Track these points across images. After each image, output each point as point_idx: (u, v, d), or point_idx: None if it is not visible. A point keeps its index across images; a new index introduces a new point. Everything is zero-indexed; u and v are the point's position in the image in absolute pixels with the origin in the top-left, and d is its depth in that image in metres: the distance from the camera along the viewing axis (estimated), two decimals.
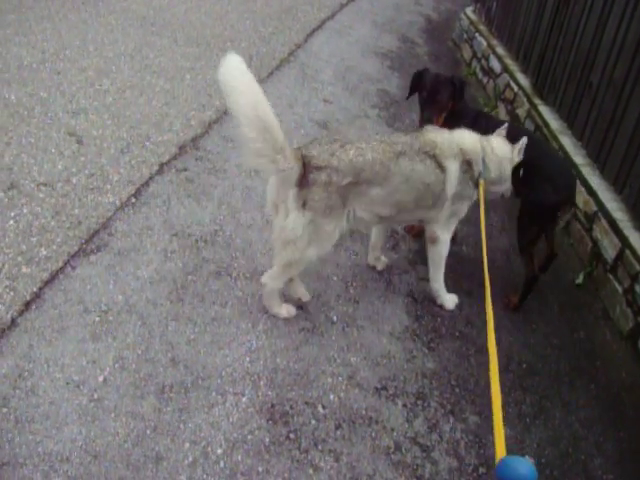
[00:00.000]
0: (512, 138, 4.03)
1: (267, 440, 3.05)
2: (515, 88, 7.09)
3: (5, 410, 2.91)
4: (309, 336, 3.69)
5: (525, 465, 1.75)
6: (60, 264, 3.75)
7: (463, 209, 3.91)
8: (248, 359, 3.43)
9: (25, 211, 4.09)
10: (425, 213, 3.81)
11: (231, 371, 3.34)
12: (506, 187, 4.04)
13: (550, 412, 3.62)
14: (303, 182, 3.31)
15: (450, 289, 4.26)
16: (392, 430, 3.26)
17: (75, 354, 3.23)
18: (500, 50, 8.01)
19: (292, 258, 3.46)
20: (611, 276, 4.52)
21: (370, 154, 3.42)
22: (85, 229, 4.05)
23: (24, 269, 3.65)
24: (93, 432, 2.89)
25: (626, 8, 5.00)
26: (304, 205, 3.31)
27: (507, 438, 3.35)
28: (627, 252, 4.37)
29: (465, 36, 9.46)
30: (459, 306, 4.20)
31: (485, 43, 8.48)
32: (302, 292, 3.90)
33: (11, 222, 3.97)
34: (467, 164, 3.74)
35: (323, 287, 4.07)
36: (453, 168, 3.68)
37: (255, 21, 8.66)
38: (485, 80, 8.23)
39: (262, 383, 3.32)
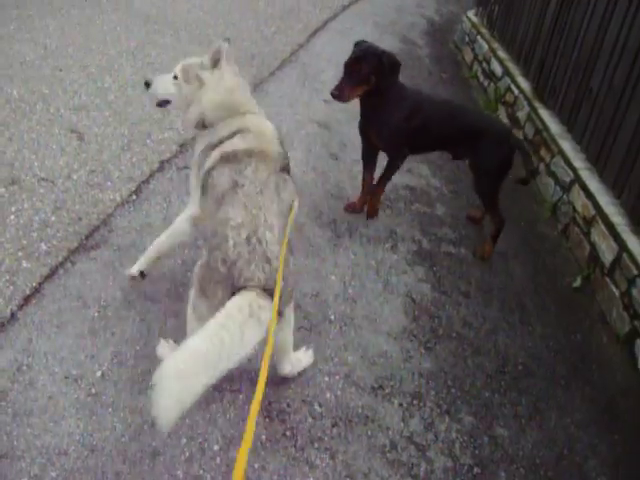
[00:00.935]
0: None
1: (263, 437, 3.07)
2: (516, 91, 7.11)
3: (3, 403, 2.93)
4: (307, 335, 3.70)
5: None
6: (60, 259, 3.77)
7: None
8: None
9: (26, 206, 4.10)
10: None
11: None
12: None
13: (545, 414, 3.64)
14: None
15: (448, 291, 4.28)
16: (388, 429, 3.28)
17: (74, 348, 3.25)
18: (501, 53, 8.02)
19: None
20: (608, 280, 4.54)
21: None
22: (85, 225, 4.07)
23: (24, 264, 3.66)
24: (91, 426, 2.91)
25: (627, 14, 5.02)
26: None
27: (502, 439, 3.39)
28: (624, 256, 4.39)
29: (467, 39, 9.48)
30: (456, 307, 4.23)
31: (486, 46, 8.50)
32: None
33: (12, 217, 3.99)
34: None
35: (321, 286, 4.08)
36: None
37: (258, 20, 8.68)
38: (486, 83, 8.25)
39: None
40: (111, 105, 5.55)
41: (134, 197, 4.42)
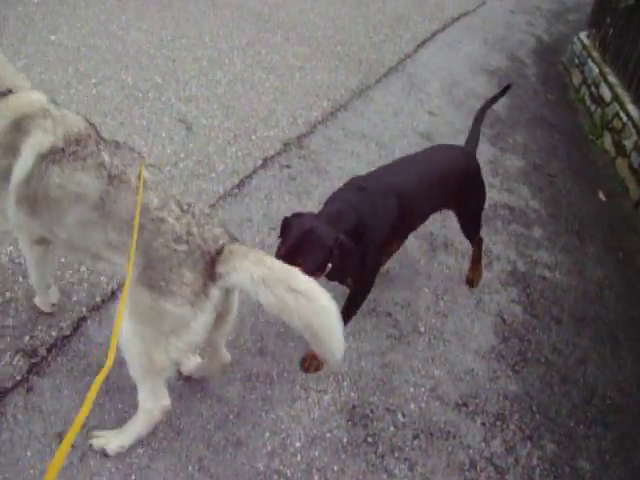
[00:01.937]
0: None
1: (345, 440, 3.09)
2: (624, 118, 6.93)
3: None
4: (395, 343, 3.70)
5: None
6: None
7: None
8: None
9: None
10: None
11: None
12: None
13: (631, 452, 3.55)
14: None
15: (540, 315, 4.22)
16: (468, 447, 3.25)
17: None
18: (612, 78, 7.84)
19: None
20: None
21: None
22: None
23: None
24: (179, 409, 2.98)
25: None
26: None
27: (584, 472, 3.32)
28: None
29: (576, 61, 9.29)
30: (547, 332, 4.16)
31: (597, 70, 8.31)
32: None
33: None
34: None
35: (413, 297, 4.08)
36: None
37: (367, 27, 8.71)
38: (593, 108, 8.07)
39: (345, 384, 3.36)
40: (220, 99, 5.67)
41: (236, 191, 4.50)
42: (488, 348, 3.90)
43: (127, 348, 2.49)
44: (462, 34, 9.87)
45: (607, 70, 8.12)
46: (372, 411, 3.26)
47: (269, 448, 2.95)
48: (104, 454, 2.70)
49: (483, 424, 3.40)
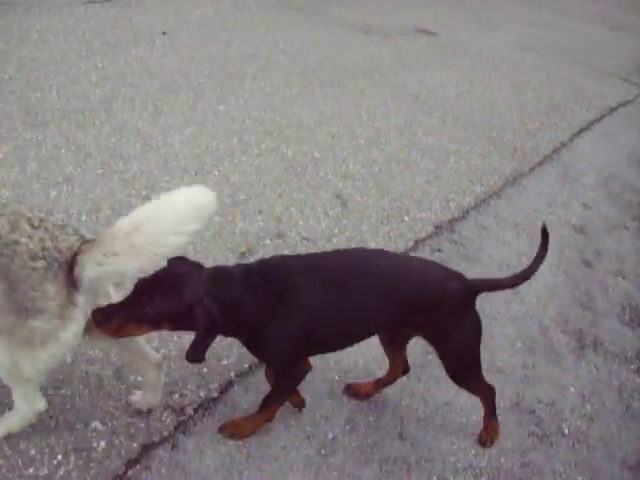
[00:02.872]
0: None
1: None
2: None
3: (240, 443, 3.10)
4: (537, 443, 3.59)
5: None
6: None
7: None
8: (473, 451, 3.41)
9: None
10: None
11: (455, 460, 3.34)
12: None
13: None
14: None
15: None
16: None
17: (311, 406, 3.38)
18: None
19: None
20: None
21: None
22: None
23: None
24: None
25: None
26: None
27: None
28: None
29: None
30: None
31: None
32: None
33: None
34: None
35: (558, 396, 3.95)
36: None
37: (522, 113, 8.70)
38: None
39: (483, 479, 3.30)
40: (375, 177, 5.80)
41: None
42: (637, 459, 3.70)
43: None
44: (620, 125, 9.65)
45: None
46: None
47: None
48: None
49: None
